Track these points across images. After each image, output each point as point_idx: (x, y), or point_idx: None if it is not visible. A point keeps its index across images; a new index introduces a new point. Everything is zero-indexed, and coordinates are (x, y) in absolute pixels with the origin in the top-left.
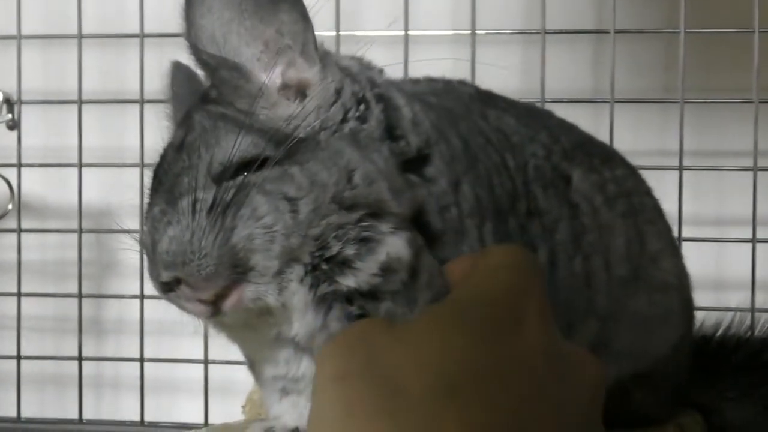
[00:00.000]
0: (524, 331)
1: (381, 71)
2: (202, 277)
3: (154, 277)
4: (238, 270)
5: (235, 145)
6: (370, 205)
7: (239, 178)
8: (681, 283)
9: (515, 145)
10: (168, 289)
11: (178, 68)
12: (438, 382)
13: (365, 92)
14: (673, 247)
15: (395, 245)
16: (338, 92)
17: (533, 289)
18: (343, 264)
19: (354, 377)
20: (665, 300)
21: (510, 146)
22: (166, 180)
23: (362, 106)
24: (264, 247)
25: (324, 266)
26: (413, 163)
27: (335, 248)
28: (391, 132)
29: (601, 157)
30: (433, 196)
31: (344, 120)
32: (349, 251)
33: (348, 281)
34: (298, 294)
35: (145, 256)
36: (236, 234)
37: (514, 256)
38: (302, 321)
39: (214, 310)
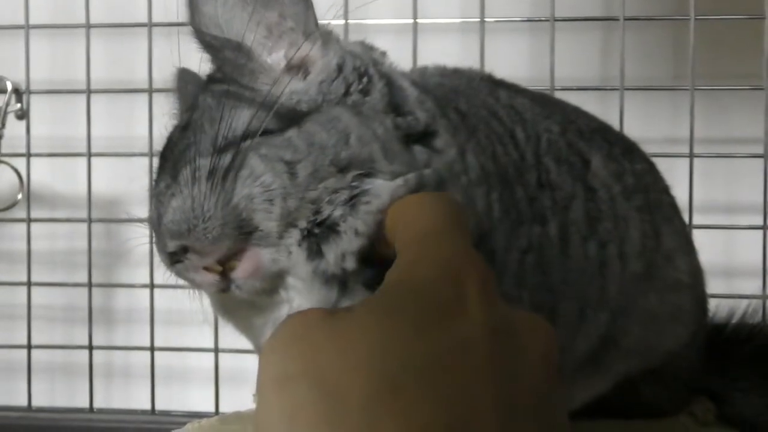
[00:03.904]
0: (467, 310)
1: (384, 53)
2: (209, 240)
3: (161, 248)
4: (244, 230)
5: (238, 118)
6: (362, 163)
7: (238, 146)
8: (695, 281)
9: (527, 120)
10: (175, 260)
11: (184, 73)
12: (379, 383)
13: (368, 67)
14: (688, 245)
15: (383, 188)
16: (340, 67)
17: (471, 258)
18: (330, 229)
19: (294, 381)
20: (678, 299)
21: (521, 120)
22: (172, 157)
23: (365, 80)
24: (264, 208)
25: (316, 230)
26: (420, 138)
27: (326, 211)
28: (397, 108)
29: (622, 147)
30: (444, 165)
31: (347, 93)
32: (337, 212)
33: (330, 254)
34: (298, 258)
35: (153, 235)
36: (236, 194)
37: (439, 210)
38: (312, 296)
39: (223, 282)
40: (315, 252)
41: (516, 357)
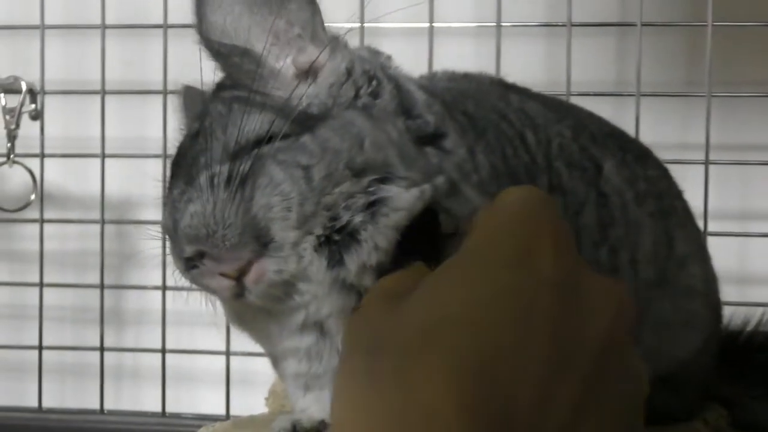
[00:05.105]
0: (533, 263)
1: (389, 57)
2: (226, 247)
3: (177, 254)
4: (261, 242)
5: (250, 123)
6: (377, 168)
7: (254, 152)
8: (708, 288)
9: (538, 125)
10: (191, 265)
11: (189, 90)
12: (415, 332)
13: (376, 71)
14: (701, 251)
15: (401, 199)
16: (349, 71)
17: (545, 218)
18: (351, 236)
19: (353, 352)
20: (691, 305)
21: (532, 125)
22: (184, 164)
23: (374, 83)
24: (282, 216)
25: (336, 237)
26: (430, 139)
27: (345, 218)
28: (407, 112)
29: (635, 153)
30: (454, 165)
31: (357, 96)
32: (357, 219)
33: (352, 264)
34: (314, 263)
35: (167, 241)
36: (255, 204)
37: (526, 193)
38: (330, 302)
39: (238, 288)
40: (336, 260)
41: (577, 315)
